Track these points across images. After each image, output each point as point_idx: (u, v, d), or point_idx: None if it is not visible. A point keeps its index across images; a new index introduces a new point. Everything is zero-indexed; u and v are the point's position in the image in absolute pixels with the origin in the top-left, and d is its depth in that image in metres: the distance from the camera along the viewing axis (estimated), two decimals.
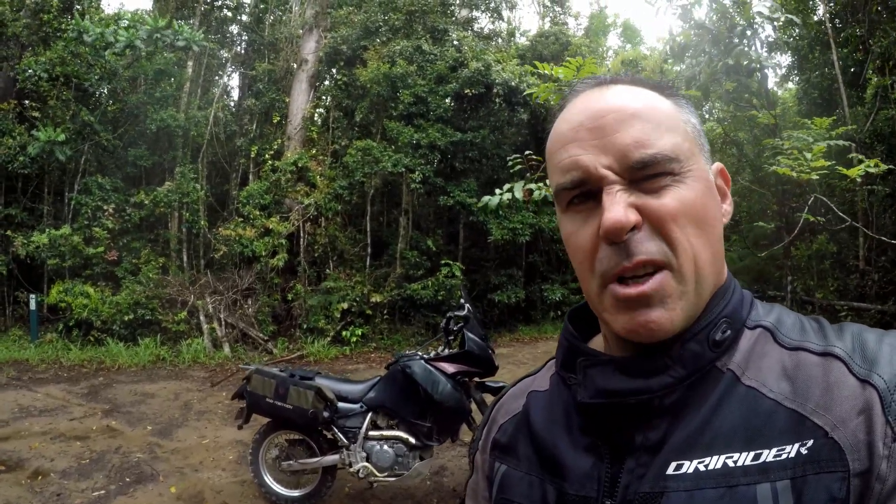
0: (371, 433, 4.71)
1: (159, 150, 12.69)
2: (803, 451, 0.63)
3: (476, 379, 5.00)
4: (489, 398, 5.17)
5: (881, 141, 9.24)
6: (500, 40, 16.08)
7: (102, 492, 5.28)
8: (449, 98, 12.63)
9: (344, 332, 11.69)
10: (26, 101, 11.80)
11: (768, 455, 0.64)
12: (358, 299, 11.89)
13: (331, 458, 4.72)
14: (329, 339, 11.51)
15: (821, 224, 6.40)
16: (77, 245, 11.02)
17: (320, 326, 11.58)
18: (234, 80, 16.22)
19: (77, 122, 11.50)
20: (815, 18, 9.69)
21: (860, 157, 5.06)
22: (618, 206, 0.68)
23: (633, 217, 0.68)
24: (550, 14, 17.22)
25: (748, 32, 5.98)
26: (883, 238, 6.92)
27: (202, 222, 12.40)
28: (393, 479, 4.71)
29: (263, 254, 11.56)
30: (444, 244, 13.74)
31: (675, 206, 0.69)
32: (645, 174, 0.70)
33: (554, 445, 0.80)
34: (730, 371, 0.71)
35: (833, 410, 0.64)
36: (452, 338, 5.08)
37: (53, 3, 11.51)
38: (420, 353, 4.94)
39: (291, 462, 4.80)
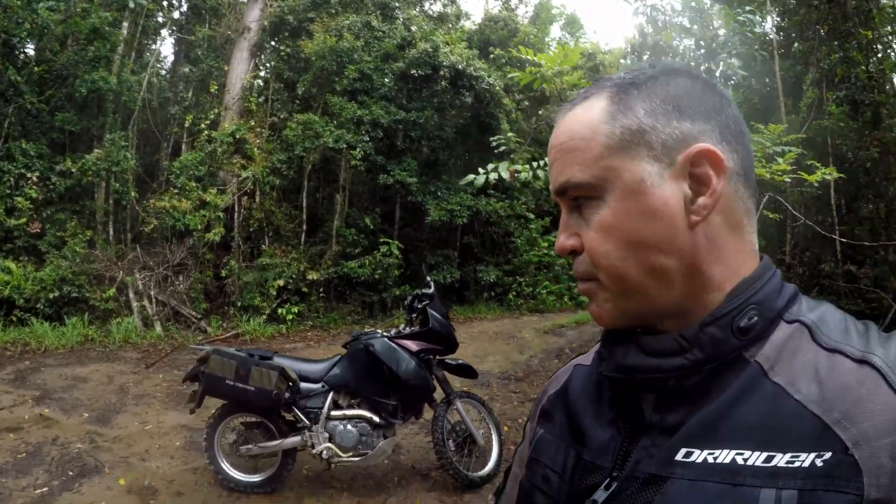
0: (333, 413, 4.67)
1: (88, 116, 11.94)
2: (818, 462, 0.59)
3: (437, 357, 5.06)
4: (451, 377, 5.27)
5: (812, 148, 9.75)
6: (449, 24, 15.92)
7: (45, 489, 5.04)
8: (394, 76, 12.48)
9: (280, 310, 11.57)
10: None
11: (781, 460, 0.61)
12: (294, 276, 11.77)
13: (292, 441, 4.64)
14: (265, 317, 11.35)
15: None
16: None
17: (256, 304, 11.40)
18: (167, 46, 15.40)
19: (2, 82, 10.67)
20: (760, 30, 10.14)
21: (816, 164, 5.54)
22: (561, 235, 0.78)
23: (570, 244, 0.77)
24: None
25: (728, 42, 6.32)
26: (835, 237, 7.39)
27: (132, 193, 11.81)
28: (357, 458, 4.68)
29: (199, 228, 11.17)
30: (381, 223, 13.69)
31: (596, 235, 0.74)
32: (569, 199, 0.77)
33: (582, 415, 0.84)
34: (756, 363, 0.69)
35: (859, 425, 0.60)
36: (415, 315, 5.12)
37: None
38: (381, 332, 4.98)
39: (250, 446, 4.68)
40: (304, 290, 11.99)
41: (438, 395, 5.16)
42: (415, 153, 13.16)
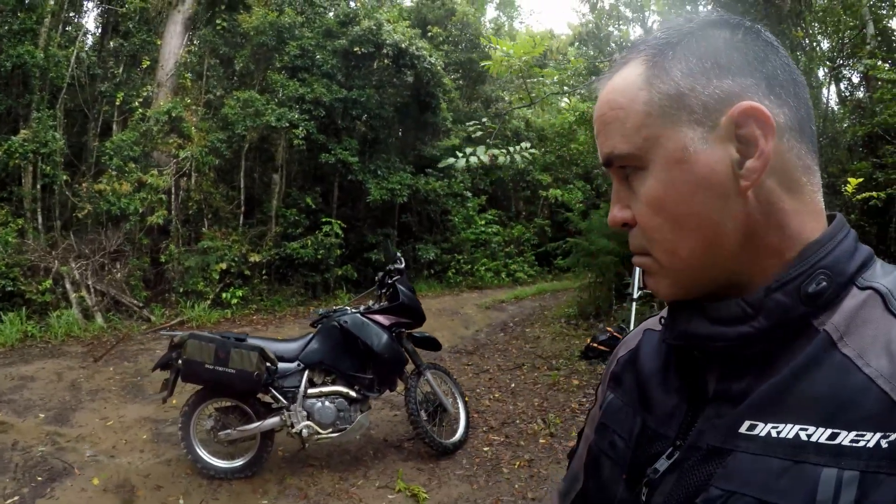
0: (309, 391, 4.70)
1: (12, 94, 11.03)
2: (884, 444, 0.56)
3: (406, 330, 5.16)
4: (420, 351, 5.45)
5: None
6: (388, 2, 15.63)
7: (16, 498, 4.76)
8: (336, 54, 12.19)
9: (224, 295, 11.24)
10: None
11: (845, 438, 0.58)
12: (236, 259, 11.45)
13: (271, 422, 4.62)
14: (209, 302, 11.00)
15: None
16: None
17: (199, 289, 11.01)
18: (92, 20, 14.29)
19: None
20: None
21: None
22: (613, 207, 0.76)
23: (621, 217, 0.75)
24: None
25: None
26: None
27: (63, 177, 11.07)
28: (336, 434, 4.72)
29: (139, 211, 10.61)
30: (324, 203, 13.49)
31: (645, 209, 0.71)
32: (618, 169, 0.74)
33: (650, 381, 0.82)
34: (825, 332, 0.65)
35: None
36: (383, 291, 5.21)
37: None
38: (350, 308, 5.03)
39: (229, 431, 4.59)
40: (247, 272, 11.70)
41: (408, 367, 5.30)
42: (355, 132, 12.97)
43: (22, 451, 5.56)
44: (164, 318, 10.52)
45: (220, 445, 4.71)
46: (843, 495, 0.55)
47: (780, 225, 0.69)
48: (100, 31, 13.75)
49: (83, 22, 13.23)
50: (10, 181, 11.03)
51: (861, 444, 0.56)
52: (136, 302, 10.62)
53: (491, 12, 19.40)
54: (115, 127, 12.32)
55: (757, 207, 0.68)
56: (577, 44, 13.20)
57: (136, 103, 11.83)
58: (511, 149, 5.91)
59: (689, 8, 7.69)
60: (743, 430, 0.64)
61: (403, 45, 12.37)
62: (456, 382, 5.79)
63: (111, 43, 12.99)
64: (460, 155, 5.47)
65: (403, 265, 5.26)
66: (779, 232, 0.69)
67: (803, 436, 0.60)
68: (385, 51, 12.29)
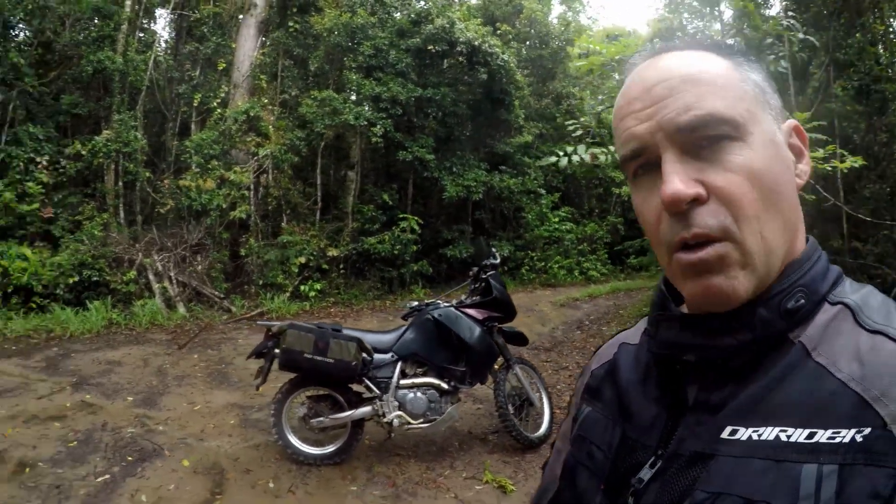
0: (402, 382, 4.68)
1: (93, 97, 11.25)
2: (858, 438, 0.58)
3: (496, 325, 5.07)
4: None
5: (818, 129, 9.92)
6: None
7: (107, 476, 4.60)
8: (410, 53, 11.99)
9: (302, 287, 11.14)
10: None
11: (822, 436, 0.60)
12: (315, 254, 11.34)
13: (363, 411, 4.59)
14: (288, 294, 10.89)
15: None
16: (10, 202, 9.65)
17: (278, 282, 10.93)
18: (161, 24, 14.61)
19: (5, 65, 9.95)
20: (770, 13, 10.30)
21: (844, 152, 5.89)
22: (675, 178, 0.66)
23: (693, 190, 0.65)
24: None
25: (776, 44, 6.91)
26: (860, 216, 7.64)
27: (146, 174, 11.20)
28: (426, 424, 4.68)
29: (224, 206, 10.63)
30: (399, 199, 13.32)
31: (740, 178, 0.66)
32: (699, 138, 0.67)
33: (630, 394, 0.81)
34: (800, 343, 0.67)
35: None
36: (477, 285, 5.15)
37: None
38: (439, 302, 5.00)
39: (322, 419, 4.56)
40: (325, 266, 11.60)
41: (497, 361, 5.25)
42: (430, 130, 12.72)
43: (112, 432, 5.44)
44: (243, 308, 10.42)
45: (311, 432, 4.67)
46: (824, 488, 0.57)
47: (796, 233, 0.73)
48: (174, 36, 14.00)
49: (157, 28, 13.49)
50: (93, 178, 11.21)
51: (837, 440, 0.59)
52: (216, 293, 10.56)
53: (556, 8, 18.82)
54: (193, 127, 12.45)
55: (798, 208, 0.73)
56: (656, 40, 12.60)
57: (214, 104, 11.87)
58: (611, 148, 5.79)
59: (795, 24, 7.42)
60: (725, 435, 0.66)
61: (476, 43, 12.08)
62: (541, 377, 5.69)
63: (186, 47, 13.17)
64: (561, 154, 5.42)
65: (498, 261, 5.21)
66: (801, 236, 0.74)
67: (783, 437, 0.62)
68: (458, 48, 12.01)
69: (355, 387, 4.70)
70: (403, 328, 4.90)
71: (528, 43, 15.52)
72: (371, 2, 11.96)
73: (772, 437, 0.62)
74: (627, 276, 16.46)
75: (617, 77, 8.05)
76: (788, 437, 0.61)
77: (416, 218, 12.18)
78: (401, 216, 12.24)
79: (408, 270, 12.49)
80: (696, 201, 0.66)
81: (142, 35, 13.03)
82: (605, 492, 0.77)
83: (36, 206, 9.93)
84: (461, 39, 11.94)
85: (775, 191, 0.68)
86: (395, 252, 11.95)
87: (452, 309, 4.83)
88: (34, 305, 9.30)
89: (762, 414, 0.64)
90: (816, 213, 10.78)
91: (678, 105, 0.67)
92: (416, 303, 5.17)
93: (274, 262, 10.98)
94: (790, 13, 7.71)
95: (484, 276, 5.10)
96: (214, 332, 9.11)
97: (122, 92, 11.30)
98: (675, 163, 0.67)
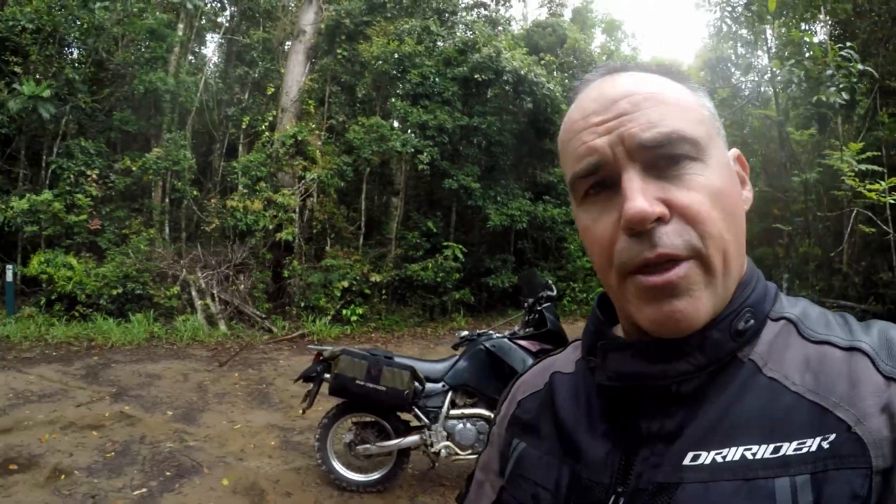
0: (451, 412, 4.54)
1: (144, 115, 11.31)
2: (825, 445, 0.58)
3: None
4: None
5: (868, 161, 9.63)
6: (500, 28, 15.38)
7: (144, 490, 4.34)
8: (456, 82, 11.87)
9: (344, 311, 10.83)
10: (7, 55, 10.13)
11: (788, 448, 0.59)
12: (358, 278, 11.04)
13: (411, 439, 4.45)
14: (329, 317, 10.60)
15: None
16: (58, 212, 9.61)
17: (321, 305, 10.64)
18: (214, 49, 14.83)
19: (60, 81, 10.03)
20: (816, 40, 10.00)
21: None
22: (639, 196, 0.62)
23: (659, 209, 0.62)
24: (548, 4, 16.54)
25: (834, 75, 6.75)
26: None
27: (193, 192, 11.14)
28: (474, 456, 4.43)
29: (270, 227, 10.48)
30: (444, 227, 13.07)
31: (703, 197, 0.64)
32: (662, 155, 0.64)
33: (574, 429, 0.75)
34: (751, 361, 0.66)
35: (857, 405, 0.59)
36: (531, 317, 4.96)
37: None
38: (496, 333, 4.81)
39: (368, 446, 4.45)
40: (367, 291, 11.31)
41: None
42: (475, 158, 12.50)
43: (150, 446, 5.23)
44: (284, 330, 10.17)
45: (355, 459, 4.56)
46: (800, 499, 0.57)
47: (744, 255, 0.71)
48: (224, 59, 14.12)
49: (208, 51, 13.64)
50: (141, 194, 11.19)
51: (804, 450, 0.58)
52: (258, 313, 10.33)
53: (598, 38, 18.57)
54: (240, 148, 12.40)
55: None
56: (703, 72, 12.30)
57: (262, 127, 11.83)
58: None
59: (804, 27, 7.23)
60: (687, 461, 0.63)
61: (522, 72, 11.85)
62: None
63: (236, 71, 13.24)
64: None
65: (555, 293, 5.02)
66: (743, 262, 0.71)
67: (749, 455, 0.60)
68: (504, 77, 11.77)
69: (403, 415, 4.60)
70: (456, 358, 4.75)
71: (570, 72, 15.29)
72: (418, 31, 11.82)
73: (737, 458, 0.61)
74: None
75: None
76: (754, 454, 0.60)
77: (459, 246, 11.85)
78: (444, 244, 11.94)
79: (450, 298, 12.11)
80: (660, 220, 0.63)
81: (192, 59, 13.16)
82: None
83: (84, 217, 9.93)
84: (507, 69, 11.74)
85: (733, 213, 0.67)
86: (438, 279, 11.62)
87: (506, 340, 4.66)
88: (77, 314, 9.24)
89: (723, 435, 0.63)
90: (864, 245, 10.38)
91: (642, 121, 0.65)
92: (466, 332, 4.98)
93: (317, 284, 10.74)
94: (848, 44, 7.53)
95: (539, 308, 4.90)
96: (255, 352, 8.86)
97: (172, 112, 11.35)
98: (637, 180, 0.64)
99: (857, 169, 7.96)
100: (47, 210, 9.51)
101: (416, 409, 4.48)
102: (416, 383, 4.37)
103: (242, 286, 10.65)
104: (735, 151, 0.74)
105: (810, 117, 8.57)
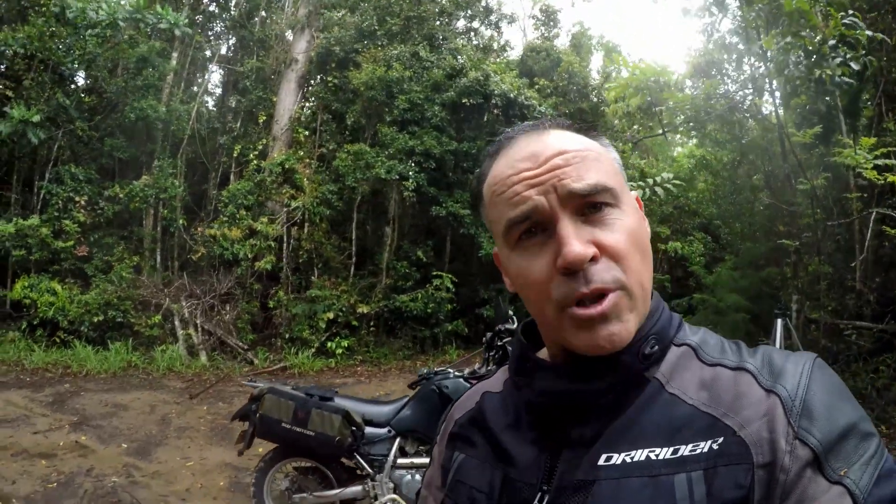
0: (399, 461, 4.08)
1: (137, 143, 11.56)
2: (714, 446, 0.70)
3: None
4: None
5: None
6: (494, 54, 15.50)
7: None
8: (444, 106, 11.94)
9: (329, 344, 10.77)
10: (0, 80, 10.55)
11: (685, 450, 0.71)
12: (344, 309, 11.00)
13: (352, 490, 4.07)
14: (314, 350, 10.57)
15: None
16: (45, 238, 9.83)
17: (304, 336, 10.63)
18: (215, 77, 15.18)
19: (52, 106, 10.36)
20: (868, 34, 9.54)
21: None
22: (574, 241, 0.74)
23: (591, 250, 0.74)
24: (542, 29, 16.66)
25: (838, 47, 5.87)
26: None
27: (180, 220, 11.33)
28: None
29: (249, 256, 10.56)
30: (436, 256, 13.00)
31: (625, 238, 0.77)
32: (588, 203, 0.77)
33: (505, 439, 0.86)
34: (656, 380, 0.79)
35: (741, 413, 0.72)
36: (492, 354, 4.47)
37: None
38: (453, 371, 4.34)
39: (305, 495, 4.06)
40: (354, 323, 11.25)
41: None
42: (466, 184, 12.52)
43: (95, 479, 5.26)
44: (267, 362, 10.18)
45: None
46: (695, 491, 0.68)
47: (651, 284, 0.82)
48: (221, 89, 14.43)
49: (208, 80, 13.93)
50: (132, 222, 11.39)
51: (698, 451, 0.71)
52: (241, 344, 10.38)
53: (596, 61, 18.58)
54: (232, 177, 12.58)
55: None
56: (692, 79, 12.12)
57: (252, 155, 12.01)
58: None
59: (807, 32, 6.69)
60: (601, 462, 0.74)
61: (512, 95, 11.85)
62: None
63: (231, 100, 13.53)
64: None
65: (516, 325, 4.42)
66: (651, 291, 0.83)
67: (652, 456, 0.72)
68: (494, 101, 11.82)
69: (348, 461, 4.24)
70: (405, 399, 4.34)
71: (568, 97, 15.26)
72: (407, 56, 11.95)
73: (643, 458, 0.72)
74: None
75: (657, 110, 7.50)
76: (657, 455, 0.72)
77: (450, 276, 11.72)
78: (434, 274, 11.84)
79: (442, 330, 11.96)
80: (592, 260, 0.74)
81: (194, 88, 13.49)
82: None
83: (71, 243, 10.12)
84: (496, 92, 11.72)
85: (645, 249, 0.80)
86: (429, 311, 11.47)
87: (461, 380, 4.20)
88: (58, 340, 9.39)
89: (631, 440, 0.74)
90: (875, 260, 9.96)
91: (573, 174, 0.77)
92: (426, 370, 4.52)
93: (301, 316, 10.73)
94: (850, 12, 6.58)
95: (500, 343, 4.44)
96: (231, 384, 8.85)
97: (164, 140, 11.60)
98: (570, 226, 0.75)
99: (874, 164, 7.15)
100: (34, 235, 9.74)
101: (359, 457, 4.08)
102: (353, 428, 3.97)
103: (228, 316, 10.73)
104: (635, 194, 0.87)
105: (813, 113, 8.05)
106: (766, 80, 7.71)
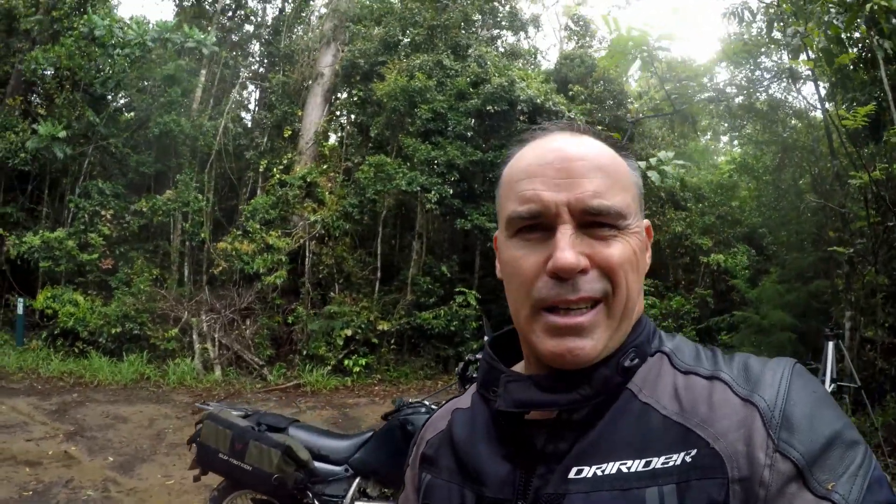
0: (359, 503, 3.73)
1: (166, 158, 12.16)
2: (688, 459, 0.70)
3: None
4: None
5: None
6: (522, 62, 15.46)
7: None
8: (470, 116, 11.94)
9: (346, 361, 10.84)
10: (32, 98, 11.34)
11: (657, 462, 0.71)
12: (363, 326, 11.06)
13: None
14: (330, 367, 10.67)
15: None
16: (71, 250, 10.44)
17: (320, 353, 10.76)
18: (251, 94, 15.80)
19: (82, 123, 11.00)
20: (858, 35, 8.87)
21: None
22: (569, 251, 0.76)
23: (584, 263, 0.76)
24: (575, 37, 16.56)
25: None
26: None
27: (203, 234, 11.76)
28: None
29: (262, 271, 10.87)
30: (459, 272, 12.86)
31: (620, 257, 0.78)
32: (595, 221, 0.78)
33: (474, 455, 0.87)
34: (628, 389, 0.79)
35: (715, 425, 0.72)
36: (469, 385, 4.00)
37: (66, 0, 11.17)
38: (427, 403, 3.95)
39: None
40: (374, 341, 11.27)
41: None
42: (494, 196, 12.47)
43: (71, 491, 5.46)
44: (281, 378, 10.38)
45: None
46: None
47: (638, 307, 0.85)
48: (252, 104, 14.98)
49: (239, 95, 14.44)
50: (160, 236, 11.92)
51: (671, 464, 0.71)
52: (257, 360, 10.63)
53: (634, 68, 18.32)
54: (259, 192, 12.99)
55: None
56: (722, 64, 11.58)
57: (276, 170, 12.36)
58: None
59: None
60: (572, 475, 0.76)
61: (539, 101, 11.73)
62: None
63: (258, 115, 14.02)
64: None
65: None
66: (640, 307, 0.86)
67: (624, 469, 0.73)
68: (520, 107, 11.77)
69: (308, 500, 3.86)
70: (368, 435, 3.93)
71: (604, 104, 15.00)
72: (430, 65, 12.01)
73: (614, 471, 0.73)
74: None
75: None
76: (629, 468, 0.72)
77: (474, 292, 11.65)
78: (458, 290, 11.73)
79: (467, 349, 11.77)
80: (582, 272, 0.76)
81: (224, 103, 14.09)
82: None
83: (96, 256, 10.68)
84: (522, 98, 11.63)
85: (638, 273, 0.82)
86: (452, 328, 11.40)
87: (428, 416, 3.79)
88: (77, 350, 9.87)
89: (602, 453, 0.75)
90: None
91: (591, 188, 0.78)
92: (401, 400, 4.08)
93: (318, 332, 10.88)
94: None
95: (474, 376, 3.93)
96: (241, 400, 9.01)
97: (193, 156, 12.13)
98: (569, 236, 0.77)
99: None
100: (61, 247, 10.34)
101: (312, 496, 3.69)
102: (300, 466, 3.63)
103: (248, 332, 11.02)
104: (646, 222, 0.88)
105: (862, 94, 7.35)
106: (805, 51, 6.96)
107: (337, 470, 3.74)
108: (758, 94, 10.29)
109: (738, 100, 10.23)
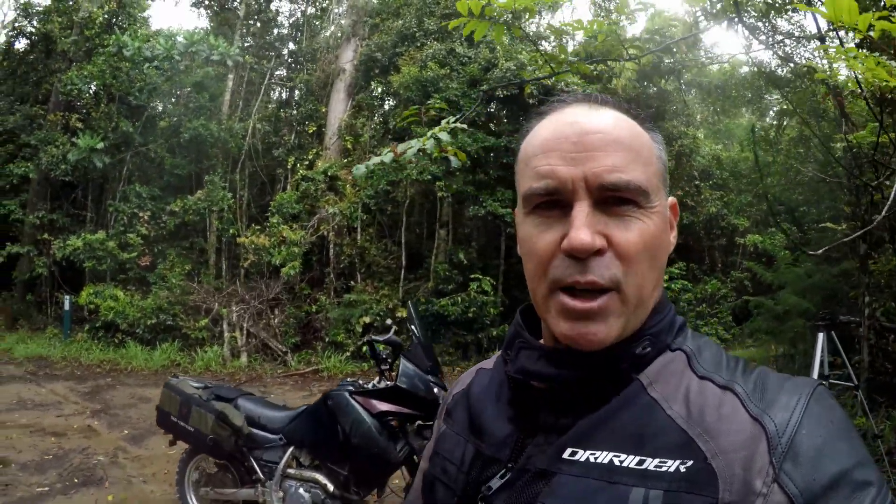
0: (290, 471, 4.20)
1: (199, 160, 13.58)
2: (682, 469, 0.69)
3: (419, 422, 4.18)
4: None
5: None
6: (546, 43, 15.78)
7: (46, 489, 5.51)
8: (481, 101, 12.45)
9: (364, 348, 11.74)
10: (72, 114, 13.01)
11: (650, 464, 0.71)
12: (382, 314, 11.85)
13: (245, 492, 4.31)
14: (349, 353, 11.60)
15: None
16: (112, 250, 11.96)
17: (340, 340, 11.69)
18: (279, 94, 16.98)
19: (118, 133, 12.51)
20: None
21: None
22: (585, 229, 0.75)
23: (600, 243, 0.75)
24: (602, 14, 16.67)
25: None
26: None
27: (231, 230, 13.06)
28: None
29: (279, 263, 11.96)
30: (478, 258, 13.38)
31: (638, 241, 0.77)
32: (614, 197, 0.77)
33: (483, 412, 0.93)
34: (638, 380, 0.79)
35: (718, 439, 0.70)
36: (388, 367, 4.32)
37: (97, 21, 12.68)
38: (356, 383, 4.25)
39: (208, 489, 4.52)
40: (395, 328, 12.08)
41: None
42: (511, 181, 12.85)
43: (85, 456, 6.43)
44: (301, 364, 11.43)
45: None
46: None
47: (660, 289, 0.86)
48: (278, 105, 16.14)
49: (259, 99, 15.58)
50: (195, 233, 13.38)
51: (664, 469, 0.70)
52: (281, 347, 11.74)
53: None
54: (288, 188, 14.14)
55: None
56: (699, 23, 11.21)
57: (299, 166, 13.50)
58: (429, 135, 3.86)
59: None
60: (566, 455, 0.77)
61: (549, 83, 12.10)
62: None
63: (284, 113, 15.22)
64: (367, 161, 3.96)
65: (390, 335, 4.43)
66: (658, 295, 0.85)
67: (616, 461, 0.73)
68: (530, 90, 12.00)
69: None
70: (303, 408, 4.39)
71: (631, 81, 15.00)
72: (444, 54, 12.59)
73: (606, 461, 0.73)
74: (756, 342, 14.58)
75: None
76: (621, 461, 0.73)
77: (488, 279, 12.20)
78: (473, 277, 12.27)
79: (486, 335, 12.29)
80: (598, 252, 0.75)
81: (245, 106, 15.32)
82: (460, 502, 0.88)
83: (135, 254, 12.16)
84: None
85: (658, 256, 0.81)
86: (470, 315, 11.94)
87: (346, 394, 4.07)
88: (116, 341, 11.36)
89: (599, 439, 0.76)
90: None
91: (608, 162, 0.77)
92: (349, 379, 4.49)
93: (337, 320, 11.82)
94: None
95: (385, 356, 4.35)
96: (259, 384, 10.01)
97: (226, 157, 13.46)
98: (586, 214, 0.76)
99: None
100: (102, 248, 11.83)
101: (253, 461, 4.28)
102: (230, 430, 4.14)
103: (275, 321, 12.16)
104: (672, 200, 0.87)
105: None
106: None
107: (272, 437, 4.29)
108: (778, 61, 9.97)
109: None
